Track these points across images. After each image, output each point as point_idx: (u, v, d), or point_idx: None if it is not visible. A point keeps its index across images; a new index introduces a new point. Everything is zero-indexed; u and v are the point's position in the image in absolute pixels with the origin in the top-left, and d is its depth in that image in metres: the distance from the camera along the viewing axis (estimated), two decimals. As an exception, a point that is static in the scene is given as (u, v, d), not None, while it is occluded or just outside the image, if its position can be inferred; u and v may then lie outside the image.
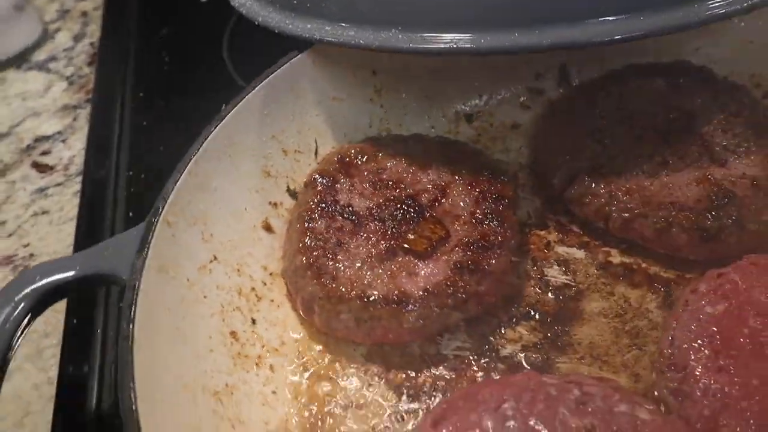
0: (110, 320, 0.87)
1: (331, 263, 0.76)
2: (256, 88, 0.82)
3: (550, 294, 0.78)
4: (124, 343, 0.62)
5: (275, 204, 0.85)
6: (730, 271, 0.69)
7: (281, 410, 0.72)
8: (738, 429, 0.58)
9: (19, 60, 1.29)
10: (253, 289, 0.79)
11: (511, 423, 0.59)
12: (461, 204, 0.79)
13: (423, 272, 0.74)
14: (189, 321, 0.71)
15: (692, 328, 0.66)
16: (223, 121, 0.79)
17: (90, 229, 0.98)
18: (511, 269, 0.77)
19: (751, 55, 0.90)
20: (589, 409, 0.59)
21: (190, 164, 0.75)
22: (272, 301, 0.80)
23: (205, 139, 0.77)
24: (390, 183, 0.82)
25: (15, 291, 0.65)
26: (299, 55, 0.85)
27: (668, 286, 0.77)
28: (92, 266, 0.68)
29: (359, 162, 0.85)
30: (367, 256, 0.76)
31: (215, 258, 0.77)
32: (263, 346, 0.76)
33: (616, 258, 0.80)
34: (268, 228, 0.83)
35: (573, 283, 0.79)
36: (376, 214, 0.79)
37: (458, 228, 0.77)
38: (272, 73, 0.84)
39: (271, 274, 0.81)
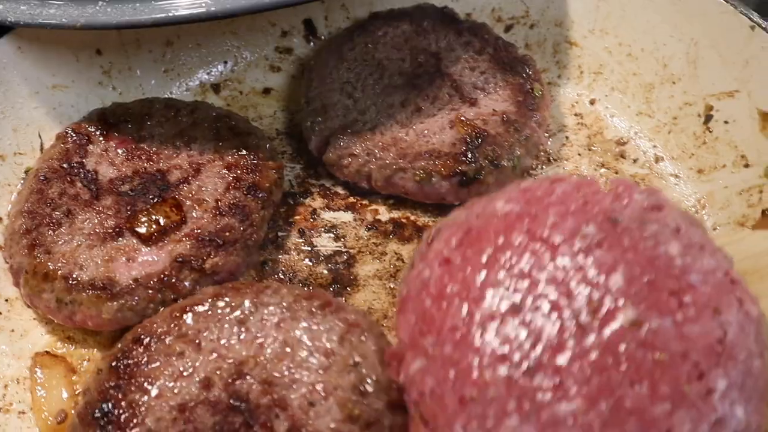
0: None
1: (50, 234, 0.68)
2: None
3: (322, 265, 0.74)
4: None
5: (-1, 220, 0.73)
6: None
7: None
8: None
9: None
10: (-14, 322, 0.68)
11: None
12: (210, 188, 0.72)
13: (141, 259, 0.67)
14: None
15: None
16: None
17: None
18: (242, 270, 0.70)
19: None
20: None
21: None
22: (13, 331, 0.69)
23: None
24: (148, 153, 0.74)
25: None
26: (-4, 43, 0.73)
27: (438, 236, 0.75)
28: None
29: (123, 124, 0.75)
30: (91, 233, 0.68)
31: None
32: (6, 386, 0.66)
33: (385, 215, 0.78)
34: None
35: (344, 249, 0.75)
36: (118, 186, 0.71)
37: (197, 215, 0.69)
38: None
39: (7, 300, 0.70)
